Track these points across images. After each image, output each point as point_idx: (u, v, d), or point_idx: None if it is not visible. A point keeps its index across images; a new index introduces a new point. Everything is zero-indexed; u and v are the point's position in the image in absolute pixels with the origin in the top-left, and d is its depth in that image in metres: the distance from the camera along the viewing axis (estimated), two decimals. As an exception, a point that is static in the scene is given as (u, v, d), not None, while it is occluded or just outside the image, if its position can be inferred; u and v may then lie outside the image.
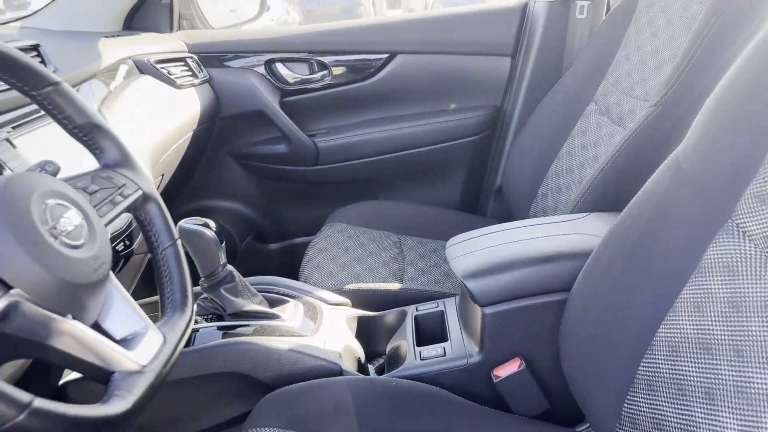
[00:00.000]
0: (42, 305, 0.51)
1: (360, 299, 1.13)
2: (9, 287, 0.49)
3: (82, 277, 0.54)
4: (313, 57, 1.63)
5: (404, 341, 0.98)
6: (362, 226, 1.44)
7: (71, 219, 0.56)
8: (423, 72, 1.62)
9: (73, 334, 0.53)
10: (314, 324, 0.98)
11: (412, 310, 1.05)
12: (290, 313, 0.98)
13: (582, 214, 0.99)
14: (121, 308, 0.60)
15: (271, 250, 1.80)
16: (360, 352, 0.99)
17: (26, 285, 0.50)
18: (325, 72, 1.64)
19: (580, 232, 0.90)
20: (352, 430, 0.78)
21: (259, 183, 1.76)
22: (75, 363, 0.54)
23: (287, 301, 1.01)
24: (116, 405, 0.52)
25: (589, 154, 1.25)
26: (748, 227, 0.63)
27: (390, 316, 1.08)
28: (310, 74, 1.64)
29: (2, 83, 0.88)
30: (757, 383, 0.57)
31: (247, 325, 0.93)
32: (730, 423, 0.59)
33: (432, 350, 0.93)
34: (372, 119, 1.69)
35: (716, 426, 0.60)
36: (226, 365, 0.88)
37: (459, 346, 0.92)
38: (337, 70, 1.64)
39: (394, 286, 1.18)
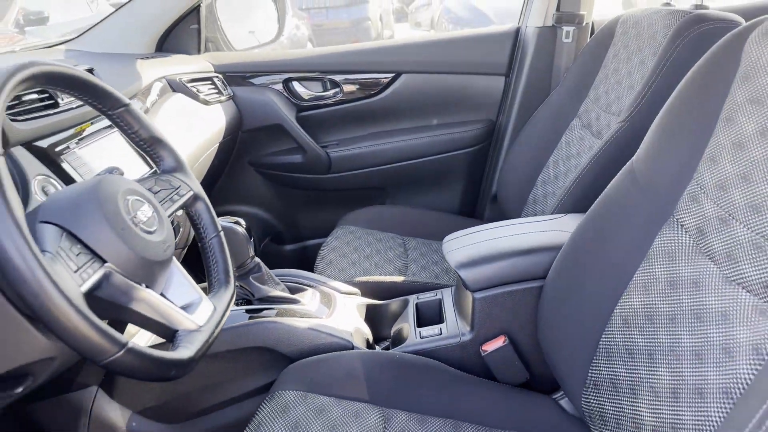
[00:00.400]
0: (126, 276, 0.67)
1: (368, 290, 1.29)
2: (104, 261, 0.65)
3: (155, 255, 0.70)
4: (325, 76, 1.78)
5: (406, 324, 1.13)
6: (370, 228, 1.59)
7: (146, 211, 0.72)
8: (425, 89, 1.78)
9: (147, 300, 0.69)
10: (329, 309, 1.13)
11: (413, 299, 1.20)
12: (308, 299, 1.13)
13: (560, 215, 1.14)
14: (181, 282, 0.76)
15: (287, 250, 1.95)
16: (368, 333, 1.14)
17: (116, 260, 0.66)
18: (336, 89, 1.80)
19: (556, 229, 1.06)
20: (361, 394, 0.94)
21: (276, 190, 1.91)
22: (148, 323, 0.70)
23: (305, 290, 1.17)
24: (182, 352, 0.68)
25: (572, 163, 1.40)
26: (685, 221, 0.79)
27: (394, 304, 1.23)
28: (324, 91, 1.80)
29: (66, 105, 1.05)
30: (684, 342, 0.72)
31: (272, 308, 1.08)
32: (665, 376, 0.74)
33: (430, 330, 1.08)
34: (379, 132, 1.85)
35: (654, 379, 0.75)
36: (255, 341, 1.03)
37: (453, 327, 1.07)
38: (348, 88, 1.80)
39: (398, 278, 1.33)
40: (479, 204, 1.89)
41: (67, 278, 0.58)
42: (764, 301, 0.63)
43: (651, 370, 0.76)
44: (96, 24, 1.68)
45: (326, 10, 8.37)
